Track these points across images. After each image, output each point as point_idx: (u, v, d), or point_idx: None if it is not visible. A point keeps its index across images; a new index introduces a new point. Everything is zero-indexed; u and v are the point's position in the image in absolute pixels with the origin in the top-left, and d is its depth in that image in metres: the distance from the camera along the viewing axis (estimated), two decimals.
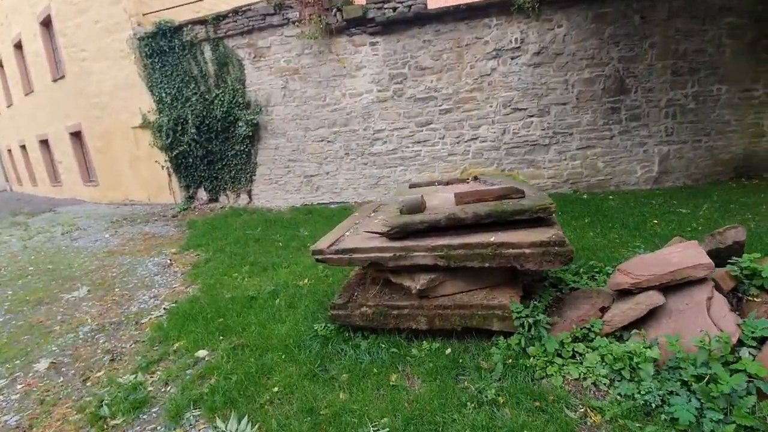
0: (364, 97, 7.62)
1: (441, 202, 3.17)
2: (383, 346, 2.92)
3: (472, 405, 2.29)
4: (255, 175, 8.82)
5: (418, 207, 2.93)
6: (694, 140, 7.05)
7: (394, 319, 2.95)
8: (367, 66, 7.47)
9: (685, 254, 2.54)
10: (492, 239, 2.67)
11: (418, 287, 2.81)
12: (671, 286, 2.48)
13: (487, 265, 2.67)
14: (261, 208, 8.60)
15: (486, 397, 2.33)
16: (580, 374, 2.42)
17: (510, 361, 2.60)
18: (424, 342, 2.91)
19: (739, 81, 6.86)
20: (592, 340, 2.58)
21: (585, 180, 7.24)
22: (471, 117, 7.29)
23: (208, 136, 8.63)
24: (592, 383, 2.34)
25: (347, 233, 3.35)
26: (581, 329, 2.63)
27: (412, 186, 3.97)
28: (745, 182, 7.01)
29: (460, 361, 2.71)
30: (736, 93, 6.91)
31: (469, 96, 7.22)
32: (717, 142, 7.11)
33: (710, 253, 2.97)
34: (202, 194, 9.33)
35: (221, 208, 8.93)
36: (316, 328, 3.25)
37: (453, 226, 2.84)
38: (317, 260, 3.05)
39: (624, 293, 2.65)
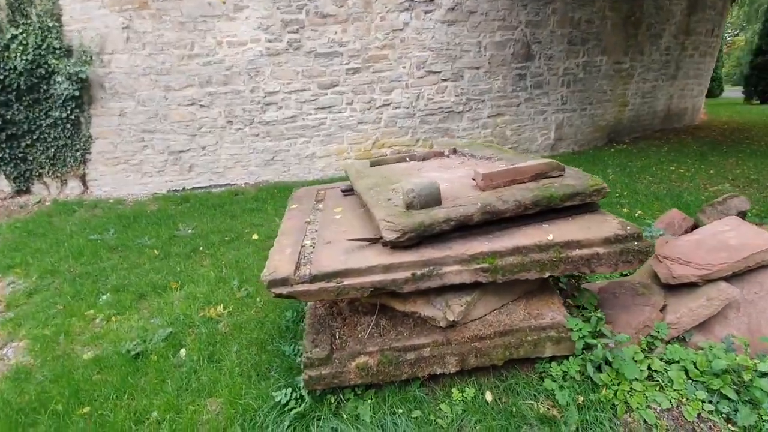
0: (249, 48, 5.93)
1: (448, 186, 2.23)
2: (398, 409, 1.94)
3: None
4: (89, 153, 6.30)
5: (437, 198, 1.95)
6: (581, 109, 7.53)
7: (410, 366, 1.97)
8: (250, 6, 5.76)
9: (741, 233, 2.20)
10: (550, 238, 1.89)
11: (452, 318, 1.87)
12: (737, 274, 2.11)
13: (547, 275, 1.88)
14: (105, 200, 6.23)
15: None
16: (671, 403, 1.88)
17: (581, 398, 1.92)
18: (453, 389, 2.02)
19: (614, 53, 7.48)
20: (652, 349, 2.07)
21: None
22: (382, 79, 6.36)
23: (4, 99, 5.73)
24: (696, 415, 1.82)
25: (307, 242, 2.16)
26: (645, 338, 2.10)
27: (375, 164, 2.93)
28: (616, 146, 7.87)
29: (513, 410, 1.92)
30: (612, 64, 7.55)
31: (380, 54, 6.24)
32: (597, 110, 7.74)
33: None
34: (2, 184, 6.33)
35: (38, 203, 6.18)
36: (276, 396, 2.04)
37: (486, 222, 1.96)
38: (279, 296, 1.83)
39: (679, 286, 2.20)
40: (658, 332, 2.10)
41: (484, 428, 1.84)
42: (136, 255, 4.09)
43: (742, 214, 2.74)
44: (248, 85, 6.10)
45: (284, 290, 1.79)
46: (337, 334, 2.08)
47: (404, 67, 6.34)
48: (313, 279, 1.81)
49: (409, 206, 1.92)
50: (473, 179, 2.13)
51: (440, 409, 1.95)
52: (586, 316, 2.15)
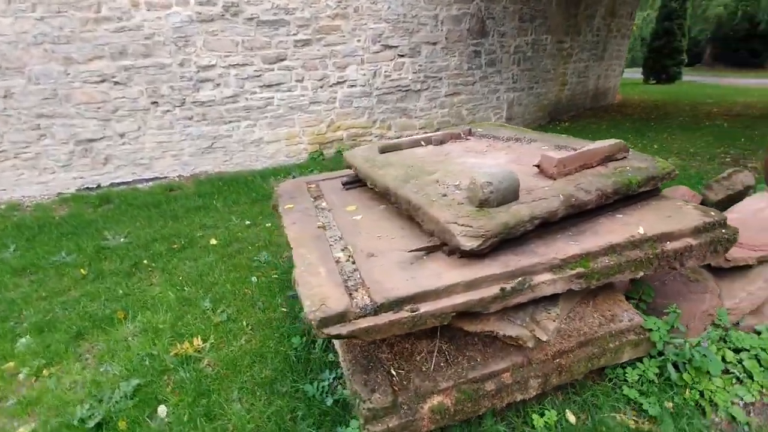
0: (174, 11, 4.89)
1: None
2: None
3: None
4: None
5: (516, 192, 1.57)
6: (529, 87, 7.63)
7: (490, 398, 1.61)
8: None
9: None
10: (641, 231, 1.63)
11: (546, 337, 1.54)
12: None
13: (640, 275, 1.63)
14: None
15: None
16: (754, 396, 1.78)
17: (670, 405, 1.74)
18: (533, 415, 1.72)
19: (557, 32, 7.65)
20: (726, 340, 1.97)
21: None
22: (335, 53, 5.73)
23: None
24: None
25: (338, 254, 1.67)
26: (711, 328, 1.98)
27: (385, 150, 2.43)
28: (558, 125, 8.16)
29: (603, 429, 1.67)
30: (555, 44, 7.72)
31: (332, 24, 5.58)
32: (542, 89, 7.92)
33: (724, 200, 2.79)
34: None
35: None
36: None
37: (566, 216, 1.64)
38: (336, 337, 1.33)
39: (728, 270, 2.12)
40: (721, 320, 1.99)
41: None
42: (54, 278, 3.14)
43: (748, 189, 2.79)
44: (176, 58, 5.08)
45: (343, 330, 1.30)
46: (391, 368, 1.64)
47: (359, 41, 5.77)
48: (379, 309, 1.35)
49: (483, 203, 1.53)
50: (537, 165, 1.79)
51: None
52: (672, 311, 1.96)
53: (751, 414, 1.73)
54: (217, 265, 3.22)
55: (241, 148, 5.76)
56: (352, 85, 5.96)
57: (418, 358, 1.67)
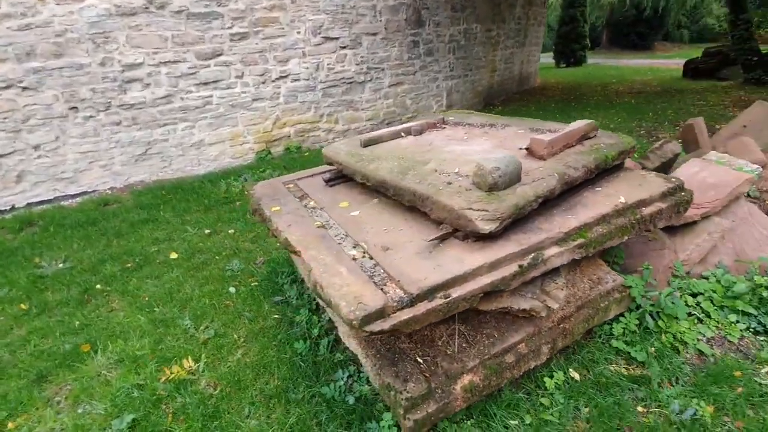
0: (88, 5, 4.35)
1: (477, 157, 1.94)
2: (510, 421, 1.68)
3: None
4: None
5: (519, 174, 1.66)
6: (464, 75, 7.95)
7: (510, 370, 1.72)
8: None
9: (712, 173, 2.52)
10: (622, 200, 1.81)
11: (557, 305, 1.66)
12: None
13: (625, 239, 1.82)
14: None
15: (685, 409, 1.65)
16: (713, 331, 2.08)
17: (653, 350, 1.98)
18: (545, 379, 1.86)
19: (485, 21, 8.03)
20: (682, 288, 2.27)
21: (398, 119, 7.03)
22: (275, 46, 5.50)
23: None
24: (738, 337, 2.04)
25: (352, 252, 1.65)
26: (672, 279, 2.27)
27: (368, 143, 2.39)
28: (492, 109, 8.63)
29: (603, 380, 1.86)
30: (484, 32, 8.10)
31: (270, 16, 5.34)
32: (475, 76, 8.30)
33: (659, 167, 3.18)
34: None
35: None
36: None
37: (562, 192, 1.78)
38: (379, 333, 1.32)
39: (676, 227, 2.43)
40: (678, 271, 2.29)
41: (594, 408, 1.73)
42: None
43: (677, 156, 3.20)
44: (95, 57, 4.53)
45: (385, 325, 1.30)
46: (416, 356, 1.67)
47: (299, 33, 5.59)
48: (415, 300, 1.37)
49: (492, 187, 1.60)
50: (527, 148, 1.90)
51: (542, 403, 1.77)
52: (646, 268, 2.19)
53: (713, 347, 2.03)
54: (185, 280, 2.99)
55: (180, 152, 5.34)
56: (296, 79, 5.78)
57: (439, 343, 1.72)
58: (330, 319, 2.35)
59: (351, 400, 1.83)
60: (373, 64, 6.34)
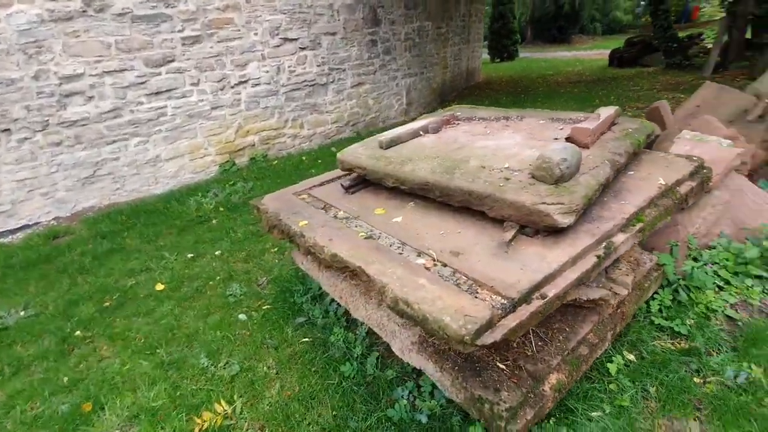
0: (17, 11, 3.74)
1: (516, 150, 1.92)
2: (592, 412, 1.66)
3: None
4: None
5: (579, 164, 1.64)
6: (420, 72, 8.01)
7: (585, 361, 1.69)
8: None
9: (702, 150, 2.70)
10: (662, 182, 1.87)
11: (626, 292, 1.67)
12: None
13: (668, 219, 1.88)
14: None
15: (738, 374, 1.74)
16: (735, 297, 2.23)
17: (692, 322, 2.07)
18: (608, 365, 1.87)
19: (436, 19, 8.14)
20: (697, 259, 2.41)
21: (362, 120, 6.91)
22: (232, 50, 5.13)
23: None
24: (759, 300, 2.20)
25: (420, 261, 1.54)
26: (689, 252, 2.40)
27: (389, 145, 2.24)
28: (446, 105, 8.79)
29: (656, 358, 1.91)
30: (435, 29, 8.22)
31: (224, 17, 4.97)
32: (430, 73, 8.40)
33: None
34: None
35: None
36: None
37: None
38: (491, 346, 1.22)
39: None
40: (691, 245, 2.43)
41: (660, 386, 1.77)
42: None
43: (657, 137, 3.41)
44: (27, 70, 3.93)
45: (496, 336, 1.21)
46: (497, 363, 1.59)
47: (256, 34, 5.27)
48: (516, 304, 1.29)
49: (559, 179, 1.56)
50: (567, 138, 1.90)
51: (611, 390, 1.78)
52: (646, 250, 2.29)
53: (738, 311, 2.17)
54: (183, 313, 2.67)
55: (134, 171, 4.82)
56: (257, 84, 5.45)
57: (515, 346, 1.65)
58: (367, 334, 2.20)
59: (423, 419, 1.71)
60: (334, 65, 6.16)
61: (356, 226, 1.89)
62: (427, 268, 1.50)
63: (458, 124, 2.53)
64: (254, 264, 3.22)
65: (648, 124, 2.14)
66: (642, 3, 24.18)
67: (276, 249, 3.39)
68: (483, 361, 1.59)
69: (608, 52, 12.50)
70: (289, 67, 5.67)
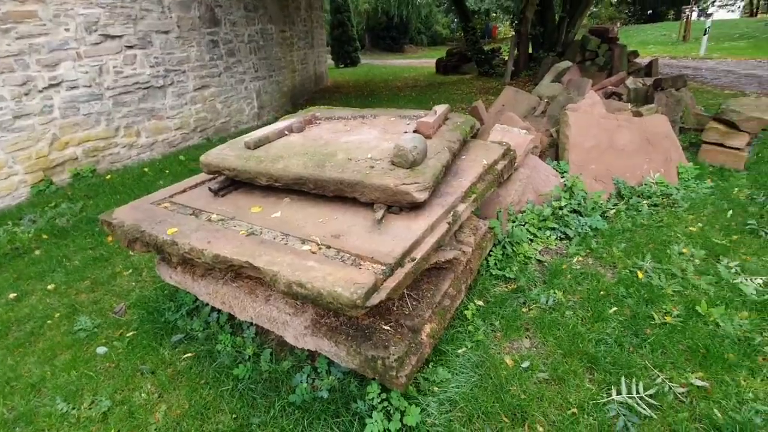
0: None
1: (375, 143, 2.21)
2: (458, 350, 2.04)
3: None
4: None
5: (426, 151, 1.98)
6: (269, 76, 7.93)
7: (449, 311, 2.07)
8: None
9: (510, 137, 3.46)
10: (485, 162, 2.39)
11: (471, 249, 2.08)
12: None
13: (493, 190, 2.40)
14: None
15: (548, 299, 2.41)
16: (540, 246, 2.96)
17: (516, 268, 2.69)
18: (465, 312, 2.30)
19: (278, 22, 8.15)
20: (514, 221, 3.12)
21: (212, 125, 6.49)
22: (37, 48, 4.25)
23: None
24: (554, 245, 2.97)
25: (305, 247, 1.68)
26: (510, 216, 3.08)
27: (257, 145, 2.19)
28: (300, 109, 8.90)
29: (498, 299, 2.45)
30: (279, 33, 8.22)
31: (24, 11, 4.07)
32: (279, 77, 8.38)
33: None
34: None
35: None
36: (370, 426, 1.63)
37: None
38: (377, 305, 1.43)
39: None
40: (510, 211, 3.12)
41: (501, 319, 2.27)
42: None
43: (478, 130, 4.19)
44: None
45: (382, 295, 1.43)
46: (382, 326, 1.83)
47: (68, 30, 4.48)
48: (393, 268, 1.54)
49: (413, 164, 1.88)
50: (415, 131, 2.25)
51: (470, 330, 2.20)
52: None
53: (544, 255, 2.90)
54: (20, 361, 2.20)
55: None
56: (73, 87, 4.63)
57: (394, 308, 1.92)
58: (256, 334, 2.21)
59: (324, 394, 1.84)
60: (171, 66, 5.65)
61: (235, 226, 1.90)
62: (313, 252, 1.63)
63: (320, 123, 2.71)
64: (104, 291, 2.82)
65: (471, 118, 2.68)
66: (455, 20, 28.35)
67: (130, 271, 3.03)
68: (371, 327, 1.81)
69: (434, 60, 14.37)
70: (114, 67, 4.98)
